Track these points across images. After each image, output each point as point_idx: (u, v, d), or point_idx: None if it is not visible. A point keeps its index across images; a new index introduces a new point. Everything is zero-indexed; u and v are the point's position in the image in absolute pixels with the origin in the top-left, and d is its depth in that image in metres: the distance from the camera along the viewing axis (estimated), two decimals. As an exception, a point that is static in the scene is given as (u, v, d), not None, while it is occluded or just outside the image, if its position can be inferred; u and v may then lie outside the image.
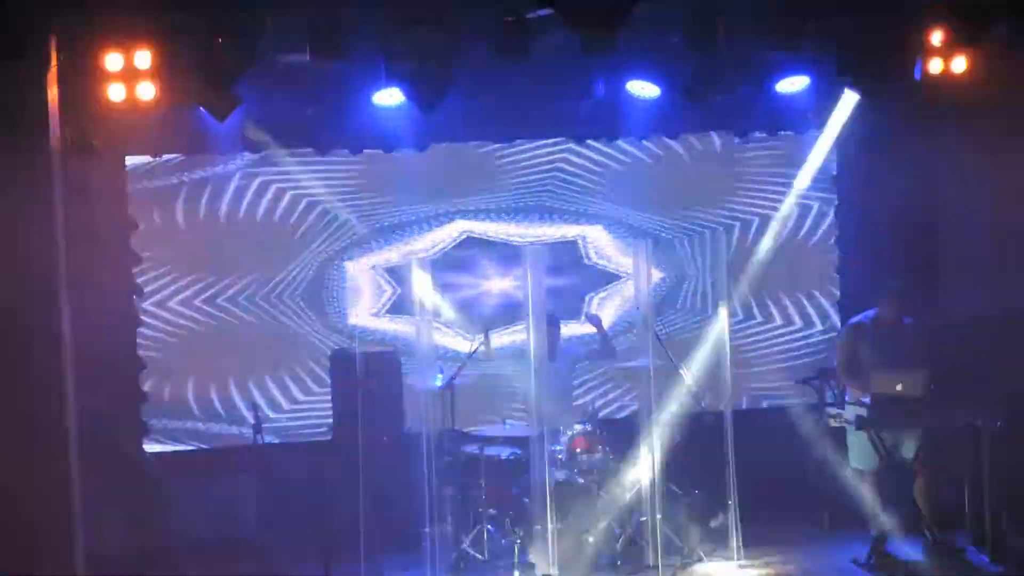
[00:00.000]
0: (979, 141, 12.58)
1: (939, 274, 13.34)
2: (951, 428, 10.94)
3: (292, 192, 12.98)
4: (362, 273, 13.14)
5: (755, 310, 13.81)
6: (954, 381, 11.11)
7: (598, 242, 13.50)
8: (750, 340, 13.79)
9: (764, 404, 13.78)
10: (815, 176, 13.67)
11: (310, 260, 13.03)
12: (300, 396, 13.00)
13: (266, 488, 12.13)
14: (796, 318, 13.93)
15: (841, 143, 13.31)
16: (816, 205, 13.86)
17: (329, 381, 12.43)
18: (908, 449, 11.06)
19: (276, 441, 12.58)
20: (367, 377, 11.50)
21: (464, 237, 13.30)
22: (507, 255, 13.16)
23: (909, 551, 11.06)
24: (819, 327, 13.94)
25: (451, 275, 13.15)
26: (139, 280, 12.72)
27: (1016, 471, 11.01)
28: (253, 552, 11.59)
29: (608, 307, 13.48)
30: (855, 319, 11.64)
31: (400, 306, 13.02)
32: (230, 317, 12.90)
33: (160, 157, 12.69)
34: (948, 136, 12.89)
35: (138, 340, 12.71)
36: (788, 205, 13.71)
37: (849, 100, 12.39)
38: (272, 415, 12.80)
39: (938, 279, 13.32)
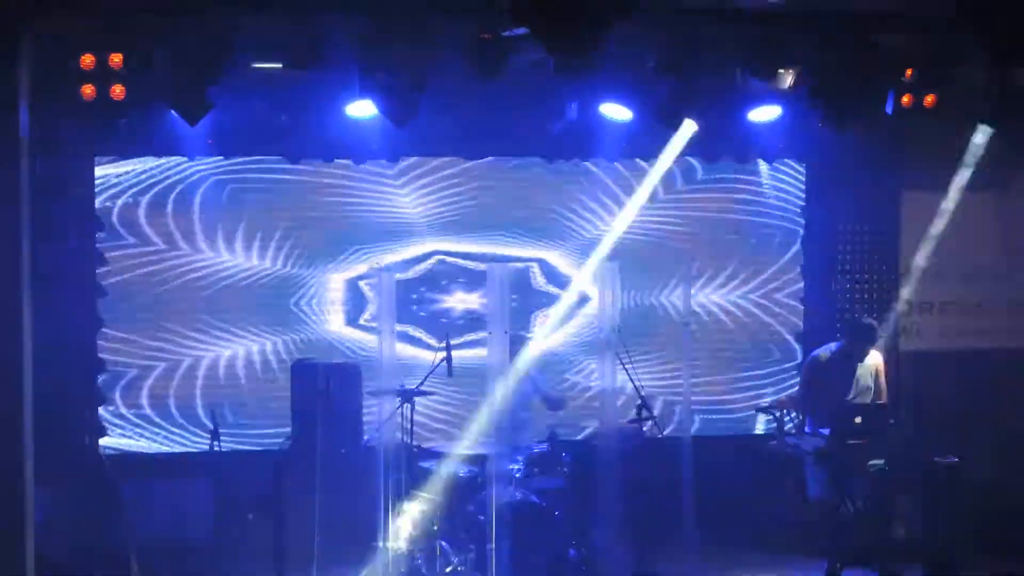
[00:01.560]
0: (948, 178, 12.68)
1: (903, 309, 13.37)
2: (908, 462, 10.94)
3: (262, 199, 12.96)
4: (333, 284, 13.14)
5: (717, 338, 13.83)
6: (914, 415, 11.19)
7: (555, 266, 13.52)
8: (711, 366, 13.76)
9: (723, 432, 13.75)
10: (783, 204, 13.79)
11: (279, 268, 13.01)
12: (260, 404, 12.97)
13: (221, 495, 12.00)
14: (759, 346, 13.98)
15: (811, 172, 13.39)
16: (780, 235, 13.93)
17: (289, 391, 12.39)
18: (864, 481, 11.05)
19: (233, 448, 12.53)
20: (327, 388, 11.50)
21: (435, 257, 13.32)
22: (474, 274, 13.18)
23: None
24: (780, 356, 14.02)
25: (419, 290, 13.22)
26: (103, 282, 12.70)
27: (971, 506, 11.08)
28: (205, 558, 11.55)
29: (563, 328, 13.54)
30: (818, 351, 11.68)
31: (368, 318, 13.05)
32: (193, 322, 12.86)
33: (129, 158, 12.67)
34: (917, 171, 12.98)
35: (99, 341, 12.69)
36: (759, 232, 13.81)
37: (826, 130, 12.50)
38: (231, 421, 12.75)
39: (902, 314, 13.35)
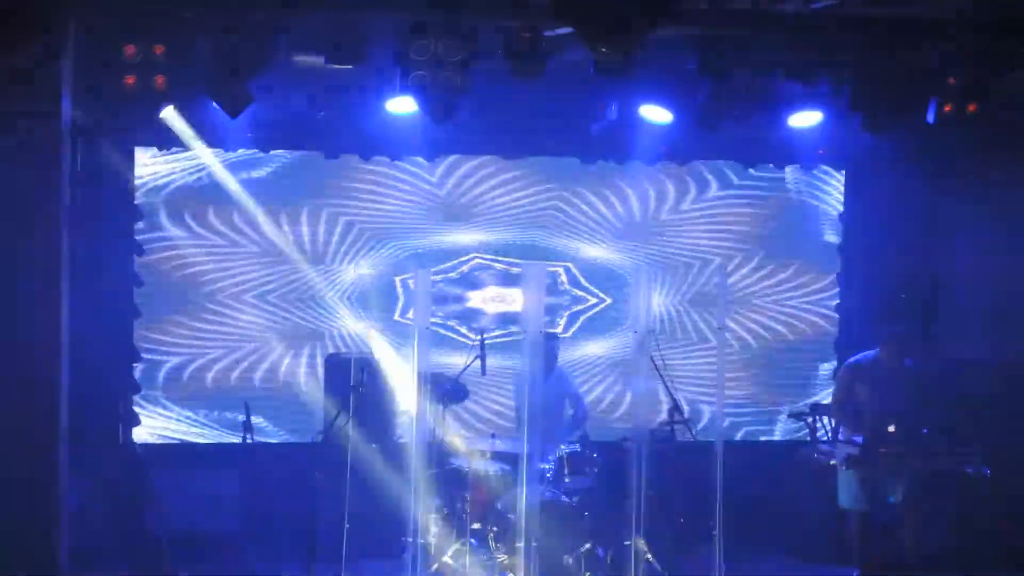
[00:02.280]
0: (987, 188, 12.61)
1: (938, 319, 13.35)
2: (940, 472, 10.89)
3: (301, 194, 13.00)
4: (372, 280, 13.17)
5: (751, 342, 13.85)
6: (947, 426, 11.13)
7: (587, 269, 13.52)
8: (745, 370, 13.80)
9: (757, 437, 13.79)
10: (824, 209, 13.78)
11: (319, 262, 13.05)
12: (294, 397, 13.01)
13: (252, 486, 12.19)
14: (794, 351, 13.96)
15: (849, 179, 13.35)
16: (823, 238, 13.90)
17: (323, 385, 12.42)
18: (897, 491, 11.01)
19: (266, 440, 12.60)
20: (361, 383, 11.53)
21: (474, 259, 13.35)
22: (510, 276, 13.22)
23: None
24: (815, 364, 13.97)
25: (456, 290, 13.26)
26: (140, 271, 12.75)
27: (1002, 518, 11.02)
28: (235, 549, 11.68)
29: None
30: (854, 359, 11.62)
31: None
32: (229, 314, 12.93)
33: (169, 150, 12.72)
34: (957, 181, 12.91)
35: (135, 331, 12.75)
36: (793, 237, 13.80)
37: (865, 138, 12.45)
38: (265, 413, 12.82)
39: (937, 324, 13.33)
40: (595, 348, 13.54)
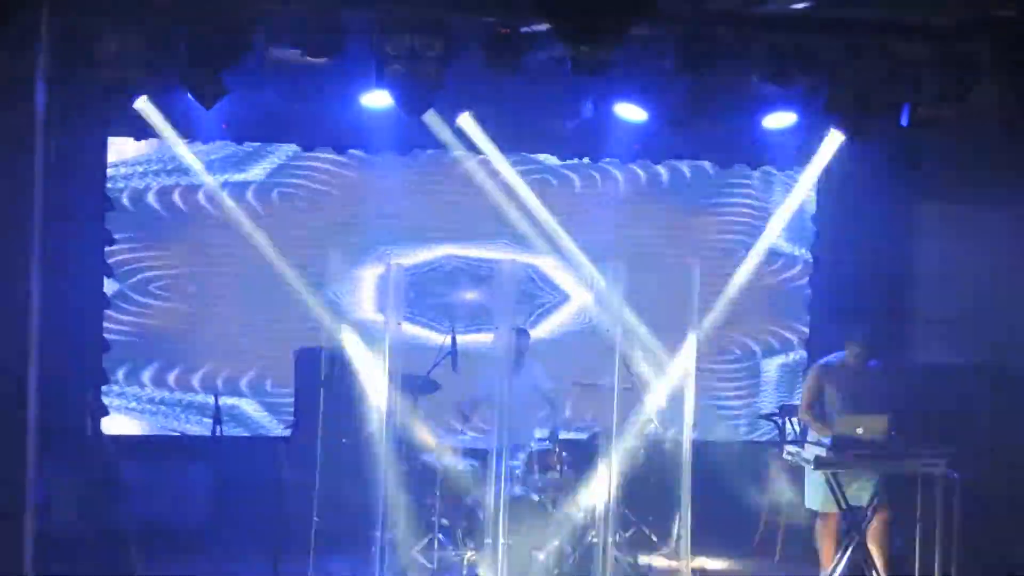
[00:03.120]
0: (960, 192, 12.64)
1: (908, 321, 13.38)
2: (908, 475, 10.85)
3: (273, 185, 12.94)
4: (343, 274, 13.07)
5: (722, 343, 13.86)
6: (915, 428, 11.15)
7: (559, 266, 13.49)
8: (715, 372, 13.81)
9: (725, 437, 13.71)
10: (793, 213, 13.77)
11: (291, 257, 12.92)
12: (263, 391, 12.98)
13: (221, 478, 12.12)
14: (765, 353, 14.02)
15: (822, 182, 13.37)
16: (791, 242, 13.93)
17: (293, 378, 12.35)
18: (864, 492, 10.98)
19: (235, 433, 12.58)
20: (330, 377, 11.49)
21: (448, 258, 13.34)
22: (483, 275, 13.17)
23: None
24: (785, 364, 14.01)
25: (429, 286, 13.26)
26: (111, 261, 12.67)
27: (968, 522, 11.01)
28: (203, 542, 11.62)
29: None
30: (823, 360, 11.56)
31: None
32: (200, 305, 12.88)
33: (142, 140, 12.64)
34: (929, 184, 12.94)
35: (105, 323, 12.67)
36: (763, 240, 13.79)
37: (834, 140, 12.45)
38: (234, 407, 12.78)
39: (907, 326, 13.35)
40: (566, 343, 13.52)
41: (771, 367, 14.03)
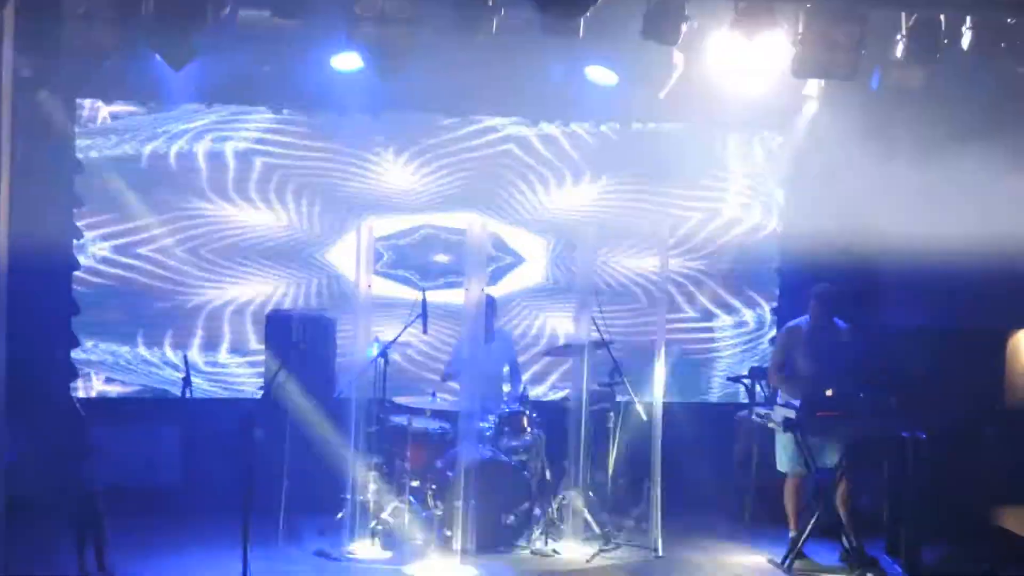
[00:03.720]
0: (930, 156, 12.65)
1: (878, 285, 13.42)
2: (877, 436, 10.94)
3: (243, 148, 12.88)
4: (319, 237, 13.10)
5: (693, 305, 13.89)
6: (884, 390, 11.18)
7: (529, 229, 13.50)
8: (686, 335, 13.83)
9: (695, 399, 13.79)
10: (764, 176, 13.84)
11: (261, 218, 12.96)
12: (234, 353, 12.96)
13: (191, 440, 12.13)
14: (734, 316, 14.03)
15: (792, 146, 13.36)
16: (762, 206, 13.94)
17: (264, 341, 12.35)
18: (833, 454, 11.04)
19: (205, 396, 12.56)
20: (302, 340, 11.51)
21: (424, 229, 13.32)
22: (454, 241, 13.17)
23: (826, 556, 11.06)
24: (756, 327, 14.05)
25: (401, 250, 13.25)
26: (80, 223, 12.62)
27: (936, 484, 11.08)
28: (172, 502, 11.68)
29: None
30: (792, 322, 11.64)
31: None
32: (172, 266, 12.83)
33: (112, 102, 12.58)
34: (900, 148, 12.95)
35: (74, 285, 12.63)
36: (733, 203, 13.85)
37: (804, 105, 12.46)
38: (205, 370, 12.77)
39: (878, 289, 13.39)
40: (535, 307, 13.53)
41: (741, 330, 14.03)
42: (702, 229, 13.81)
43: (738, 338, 14.01)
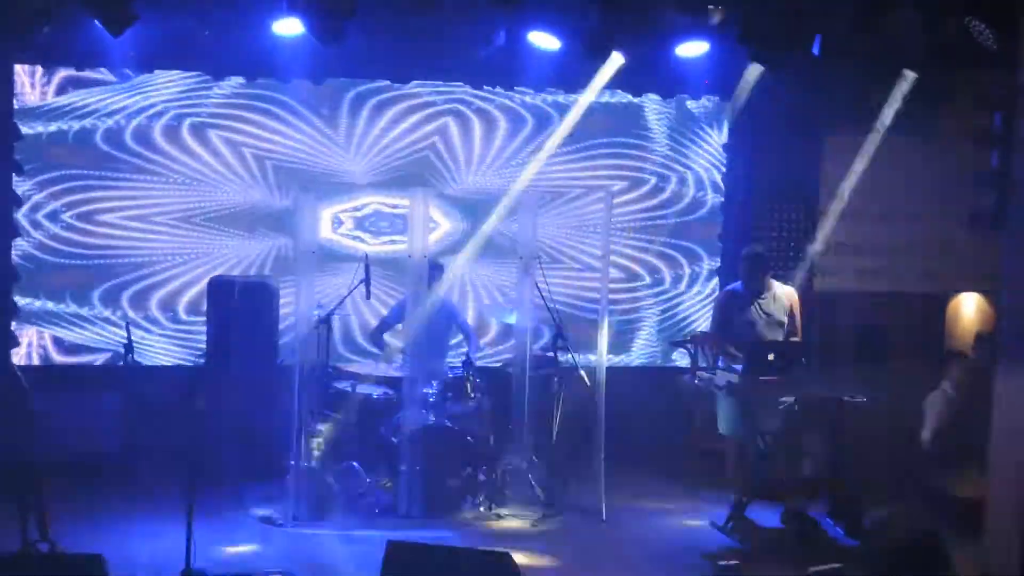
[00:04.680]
0: (871, 122, 12.72)
1: (821, 248, 13.43)
2: (818, 400, 10.97)
3: (183, 115, 12.75)
4: (261, 203, 12.99)
5: (635, 271, 13.90)
6: (824, 353, 11.23)
7: (470, 195, 13.46)
8: (628, 298, 13.86)
9: (636, 363, 13.86)
10: (706, 141, 13.85)
11: (202, 185, 12.85)
12: (176, 319, 12.85)
13: (133, 408, 12.07)
14: (674, 282, 14.04)
15: (735, 110, 13.39)
16: (704, 172, 13.96)
17: (206, 307, 12.27)
18: (774, 418, 11.03)
19: (147, 362, 12.47)
20: (244, 305, 11.51)
21: (371, 205, 13.25)
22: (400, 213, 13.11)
23: (767, 518, 11.12)
24: (698, 292, 14.08)
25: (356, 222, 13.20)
26: (19, 190, 12.48)
27: (877, 447, 11.16)
28: (114, 472, 11.60)
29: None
30: (730, 285, 11.70)
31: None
32: (114, 233, 12.70)
33: (51, 69, 12.44)
34: (840, 114, 13.01)
35: (14, 252, 12.50)
36: (676, 170, 13.86)
37: (747, 70, 12.47)
38: (146, 336, 12.67)
39: (819, 255, 13.41)
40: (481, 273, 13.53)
41: (684, 295, 14.06)
42: (645, 196, 13.82)
43: (681, 302, 14.02)
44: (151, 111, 12.67)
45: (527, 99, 13.47)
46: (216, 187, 12.84)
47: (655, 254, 13.92)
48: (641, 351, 13.97)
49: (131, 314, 12.58)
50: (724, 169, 14.00)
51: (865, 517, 10.98)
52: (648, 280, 13.96)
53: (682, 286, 14.06)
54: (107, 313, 12.68)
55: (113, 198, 12.66)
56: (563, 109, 13.39)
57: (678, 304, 14.06)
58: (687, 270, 14.06)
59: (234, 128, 12.86)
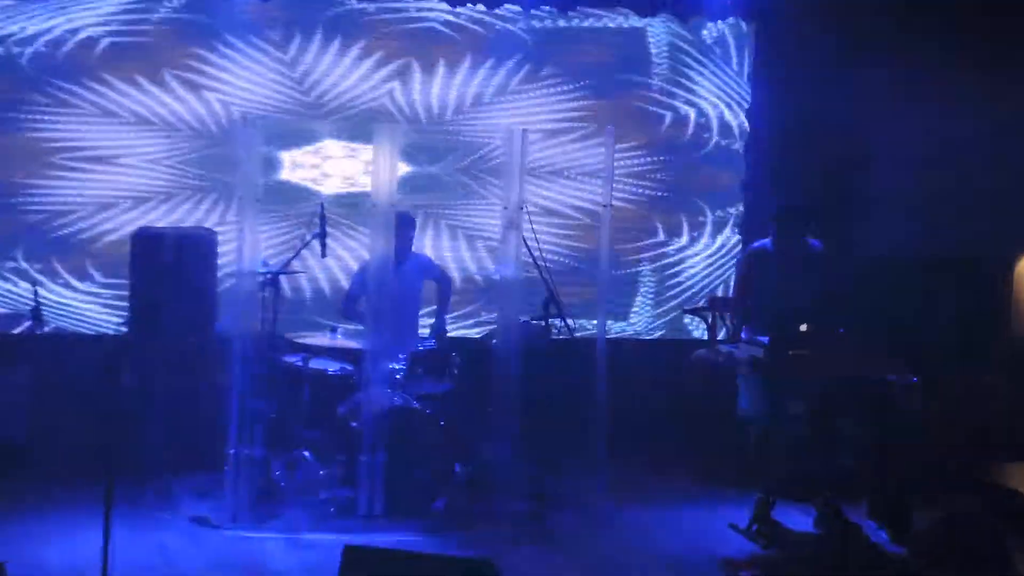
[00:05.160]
0: (916, 55, 12.66)
1: (858, 203, 13.39)
2: (859, 380, 10.79)
3: (100, 34, 12.61)
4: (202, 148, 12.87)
5: (642, 224, 13.89)
6: (867, 326, 11.09)
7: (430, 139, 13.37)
8: (631, 260, 13.84)
9: (642, 334, 13.84)
10: (725, 72, 13.84)
11: (145, 126, 12.73)
12: (94, 279, 12.71)
13: (44, 386, 11.96)
14: (689, 238, 14.00)
15: (760, 34, 13.53)
16: (725, 107, 13.86)
17: (129, 264, 12.03)
18: (807, 400, 10.88)
19: (60, 331, 12.42)
20: (176, 262, 11.35)
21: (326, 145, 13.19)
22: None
23: (798, 520, 11.02)
24: (716, 250, 14.00)
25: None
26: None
27: (927, 436, 11.02)
28: (22, 459, 11.55)
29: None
30: (756, 244, 11.70)
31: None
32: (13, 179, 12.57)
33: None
34: (885, 51, 12.94)
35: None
36: (691, 104, 13.80)
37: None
38: (58, 298, 12.53)
39: (857, 210, 13.35)
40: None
41: (700, 253, 14.03)
42: (653, 136, 13.77)
43: (697, 262, 14.01)
44: (56, 31, 12.52)
45: (513, 27, 13.37)
46: (146, 124, 12.71)
47: (664, 205, 13.86)
48: (647, 320, 13.97)
49: (36, 273, 12.47)
50: (747, 106, 13.95)
51: (914, 519, 10.80)
52: (661, 236, 13.93)
53: (699, 244, 14.04)
54: (8, 271, 12.54)
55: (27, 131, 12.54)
56: (557, 36, 13.31)
57: (691, 265, 14.06)
58: (706, 223, 14.03)
59: (166, 56, 12.74)
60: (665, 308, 13.92)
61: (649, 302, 13.91)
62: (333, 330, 11.66)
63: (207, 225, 12.60)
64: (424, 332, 12.07)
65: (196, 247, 11.86)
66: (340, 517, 10.60)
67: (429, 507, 10.92)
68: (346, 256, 12.89)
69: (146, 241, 11.78)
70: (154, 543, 10.07)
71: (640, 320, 13.87)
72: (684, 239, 13.93)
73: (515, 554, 10.05)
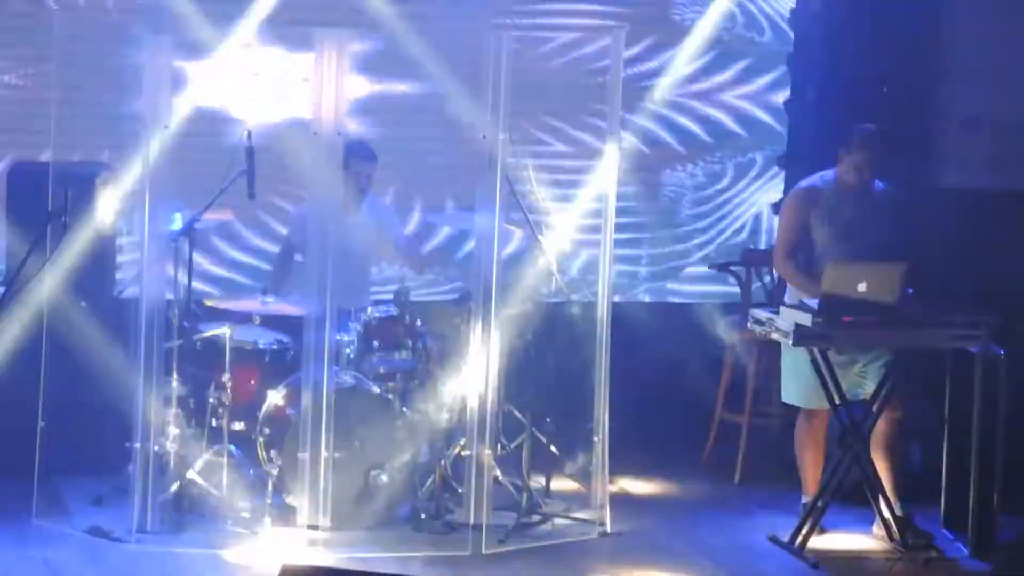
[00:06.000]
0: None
1: (934, 126, 13.45)
2: (932, 354, 10.90)
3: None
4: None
5: (658, 160, 13.96)
6: (944, 283, 11.12)
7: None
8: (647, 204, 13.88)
9: (661, 297, 13.95)
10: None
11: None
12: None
13: None
14: (715, 175, 14.09)
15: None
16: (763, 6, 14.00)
17: (5, 210, 12.16)
18: (868, 379, 10.97)
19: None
20: (64, 208, 11.21)
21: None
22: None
23: (856, 528, 11.12)
24: (751, 190, 14.08)
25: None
26: None
27: (1017, 425, 11.03)
28: None
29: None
30: (805, 182, 11.57)
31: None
32: None
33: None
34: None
35: None
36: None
37: None
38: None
39: (932, 134, 13.41)
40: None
41: (729, 197, 14.12)
42: (666, 42, 13.85)
43: (727, 208, 14.12)
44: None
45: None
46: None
47: (682, 134, 13.94)
48: (661, 280, 14.05)
49: None
50: (793, 3, 14.00)
51: (999, 527, 10.87)
52: (682, 173, 14.02)
53: (725, 180, 14.13)
54: None
55: None
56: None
57: (720, 207, 14.13)
58: (739, 157, 14.12)
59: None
60: (684, 265, 14.04)
61: (660, 258, 14.04)
62: (264, 292, 11.61)
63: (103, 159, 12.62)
64: (381, 296, 12.05)
65: (89, 187, 11.67)
66: (275, 529, 10.65)
67: (389, 515, 10.98)
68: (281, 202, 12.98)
69: (26, 179, 11.79)
70: (39, 560, 10.10)
71: (649, 280, 14.01)
72: (706, 177, 14.07)
73: (493, 572, 10.20)
